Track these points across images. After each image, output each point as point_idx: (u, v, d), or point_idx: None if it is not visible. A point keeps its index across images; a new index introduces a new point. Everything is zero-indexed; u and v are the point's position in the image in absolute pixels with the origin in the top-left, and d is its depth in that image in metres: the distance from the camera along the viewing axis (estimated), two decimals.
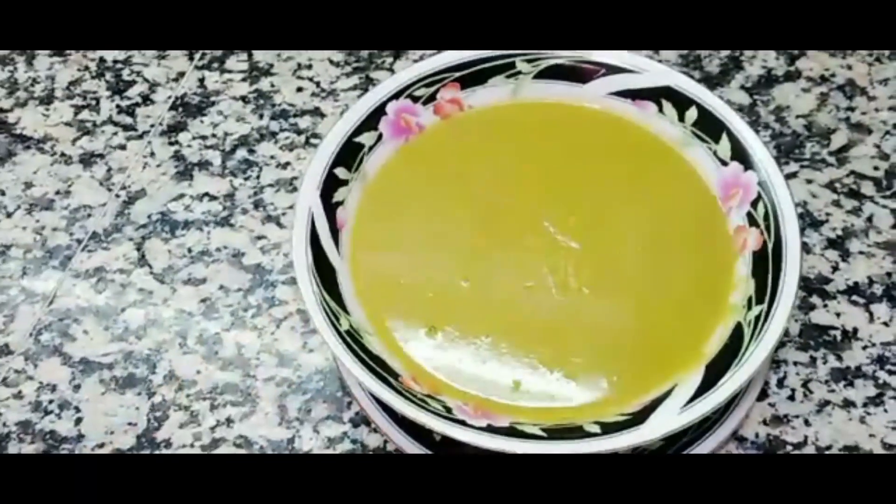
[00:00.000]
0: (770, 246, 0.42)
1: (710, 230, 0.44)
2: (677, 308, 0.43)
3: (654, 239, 0.44)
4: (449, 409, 0.39)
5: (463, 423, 0.38)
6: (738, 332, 0.40)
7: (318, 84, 0.59)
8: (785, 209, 0.43)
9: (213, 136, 0.57)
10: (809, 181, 0.53)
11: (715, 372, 0.39)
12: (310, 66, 0.60)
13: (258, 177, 0.55)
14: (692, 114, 0.46)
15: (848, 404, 0.45)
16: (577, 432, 0.38)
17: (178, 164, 0.56)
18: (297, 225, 0.43)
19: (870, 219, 0.52)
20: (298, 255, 0.42)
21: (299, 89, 0.59)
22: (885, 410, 0.45)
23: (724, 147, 0.45)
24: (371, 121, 0.46)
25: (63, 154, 0.57)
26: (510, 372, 0.41)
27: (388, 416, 0.44)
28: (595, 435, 0.38)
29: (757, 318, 0.40)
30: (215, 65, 0.60)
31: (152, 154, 0.57)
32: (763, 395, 0.46)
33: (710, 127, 0.46)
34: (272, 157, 0.56)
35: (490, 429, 0.38)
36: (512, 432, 0.38)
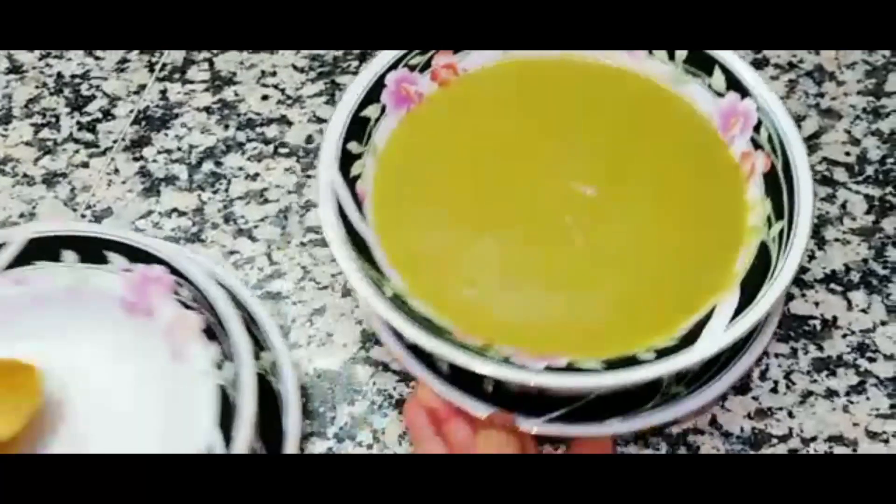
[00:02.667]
0: (779, 165, 0.44)
1: (716, 160, 0.46)
2: (699, 238, 0.44)
3: (664, 176, 0.46)
4: (507, 358, 0.40)
5: (523, 367, 0.39)
6: (763, 250, 0.42)
7: (283, 91, 0.58)
8: (787, 129, 0.44)
9: (179, 149, 0.56)
10: None
11: (750, 289, 0.41)
12: (274, 73, 0.59)
13: (227, 190, 0.54)
14: (682, 52, 0.47)
15: (831, 394, 0.46)
16: (632, 362, 0.39)
17: (144, 180, 0.55)
18: (323, 202, 0.43)
19: (844, 205, 0.52)
20: (330, 230, 0.42)
21: (264, 97, 0.58)
22: (868, 398, 0.45)
23: (717, 79, 0.46)
24: (373, 93, 0.47)
25: (25, 175, 0.56)
26: (553, 318, 0.42)
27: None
28: (650, 362, 0.39)
29: (780, 233, 0.42)
30: (176, 75, 0.59)
31: (116, 171, 0.55)
32: (746, 388, 0.46)
33: (701, 62, 0.47)
34: (240, 169, 0.55)
35: (549, 369, 0.39)
36: (570, 369, 0.39)
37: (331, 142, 0.45)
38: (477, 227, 0.44)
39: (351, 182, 0.45)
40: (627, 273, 0.43)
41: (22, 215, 0.54)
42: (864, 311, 0.48)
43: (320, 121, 0.57)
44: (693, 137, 0.47)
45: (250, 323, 0.45)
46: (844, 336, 0.47)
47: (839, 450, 0.44)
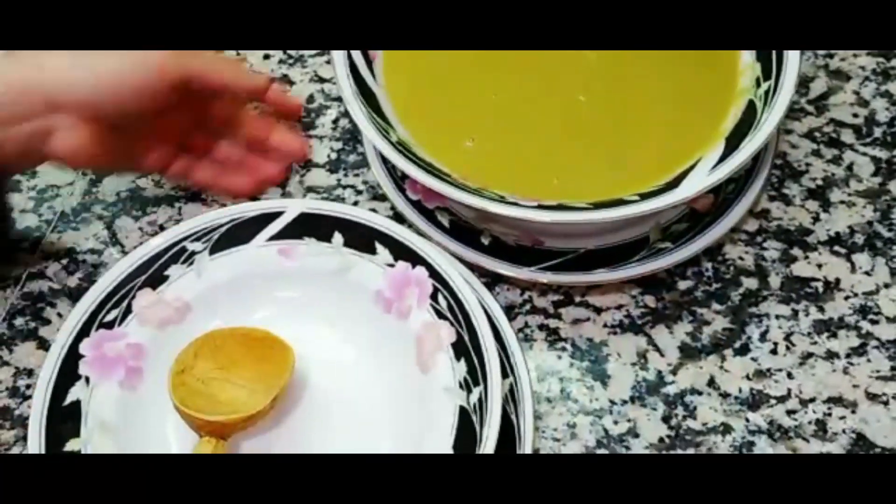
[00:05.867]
0: None
1: None
2: (692, 98, 0.47)
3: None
4: (501, 196, 0.42)
5: (516, 204, 0.42)
6: (751, 107, 0.44)
7: (284, 50, 0.58)
8: None
9: None
10: (789, 131, 0.53)
11: (735, 141, 0.43)
12: None
13: None
14: None
15: (831, 356, 0.45)
16: (619, 203, 0.42)
17: None
18: (337, 58, 0.47)
19: (850, 167, 0.51)
20: (343, 81, 0.46)
21: (266, 56, 0.58)
22: (869, 360, 0.45)
23: None
24: None
25: None
26: (549, 170, 0.45)
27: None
28: (635, 202, 0.41)
29: (766, 92, 0.44)
30: None
31: None
32: (745, 349, 0.46)
33: None
34: None
35: (540, 206, 0.42)
36: (560, 207, 0.42)
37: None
38: (479, 86, 0.48)
39: None
40: (619, 129, 0.46)
41: (24, 173, 0.54)
42: (867, 273, 0.47)
43: (322, 80, 0.57)
44: None
45: (499, 343, 0.43)
46: (847, 298, 0.47)
47: (838, 411, 0.44)
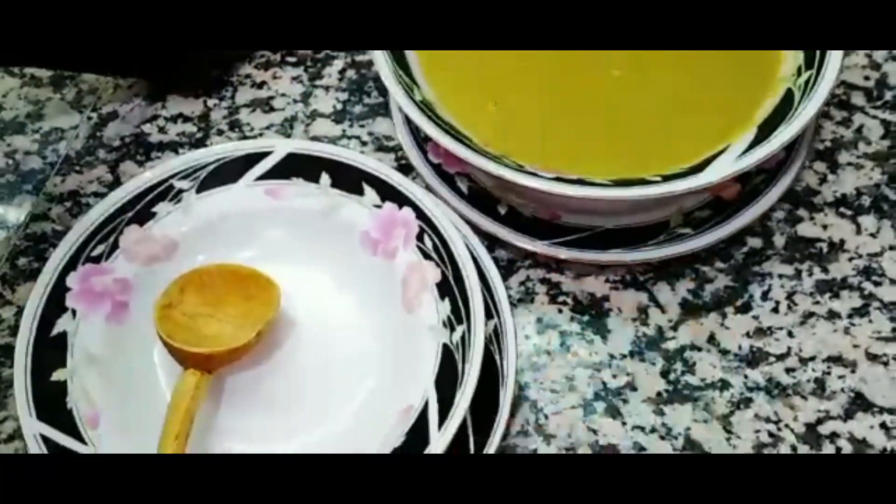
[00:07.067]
0: None
1: None
2: (728, 82, 0.45)
3: None
4: (521, 165, 0.41)
5: (535, 174, 0.41)
6: (788, 96, 0.43)
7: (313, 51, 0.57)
8: None
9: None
10: None
11: (767, 130, 0.41)
12: None
13: (233, 97, 0.54)
14: None
15: (833, 315, 0.45)
16: (639, 182, 0.40)
17: (150, 84, 0.55)
18: None
19: (859, 130, 0.51)
20: None
21: None
22: (871, 321, 0.45)
23: None
24: None
25: (33, 77, 0.56)
26: (573, 143, 0.44)
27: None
28: (656, 182, 0.40)
29: (807, 81, 0.43)
30: None
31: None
32: (746, 307, 0.45)
33: None
34: (247, 77, 0.55)
35: (559, 179, 0.41)
36: (580, 182, 0.41)
37: None
38: (512, 52, 0.46)
39: None
40: (651, 108, 0.45)
41: (28, 115, 0.54)
42: (872, 235, 0.47)
43: None
44: None
45: (483, 285, 0.42)
46: (851, 259, 0.47)
47: (837, 370, 0.43)
